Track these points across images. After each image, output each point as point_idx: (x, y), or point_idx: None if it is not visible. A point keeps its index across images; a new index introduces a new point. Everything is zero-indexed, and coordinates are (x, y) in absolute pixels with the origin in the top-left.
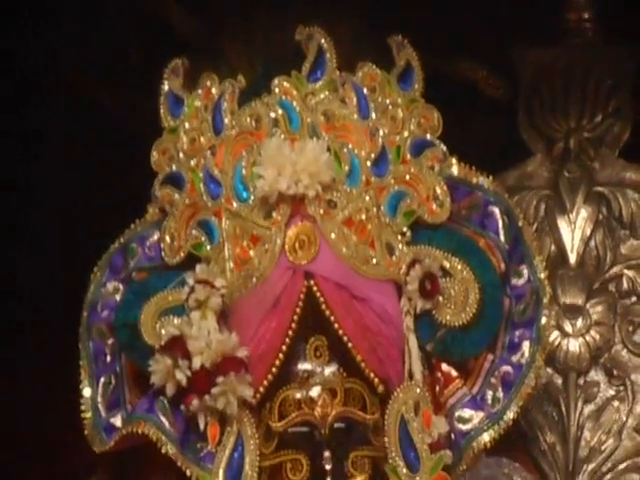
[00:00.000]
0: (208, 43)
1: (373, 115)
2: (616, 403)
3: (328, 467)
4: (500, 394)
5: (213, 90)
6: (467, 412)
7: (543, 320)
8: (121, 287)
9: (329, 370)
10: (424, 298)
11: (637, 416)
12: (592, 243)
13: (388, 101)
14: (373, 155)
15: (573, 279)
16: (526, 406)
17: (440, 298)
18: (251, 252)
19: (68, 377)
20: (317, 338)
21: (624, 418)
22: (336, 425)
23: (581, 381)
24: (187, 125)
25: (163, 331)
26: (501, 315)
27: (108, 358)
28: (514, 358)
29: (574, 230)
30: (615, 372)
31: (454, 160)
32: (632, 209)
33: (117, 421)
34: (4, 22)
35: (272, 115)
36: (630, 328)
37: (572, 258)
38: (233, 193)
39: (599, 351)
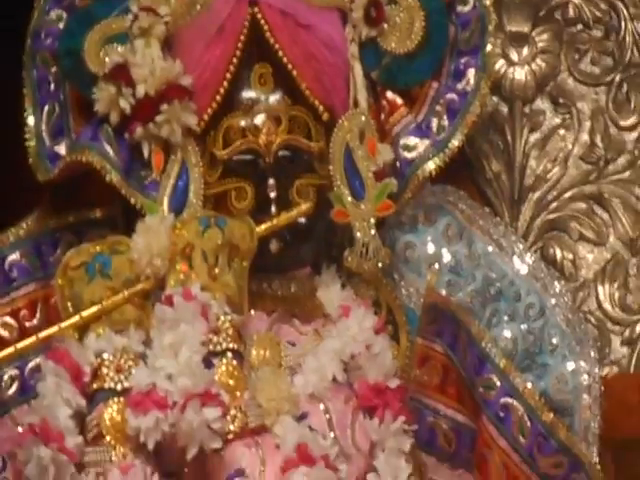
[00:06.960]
0: None
1: None
2: (562, 131)
3: (272, 194)
4: (445, 122)
5: None
6: (412, 140)
7: (488, 47)
8: (64, 15)
9: (274, 97)
10: (369, 25)
11: (583, 144)
12: None
13: None
14: None
15: (519, 7)
16: (471, 134)
17: (385, 25)
18: None
19: (12, 106)
20: (262, 66)
21: (570, 146)
22: (281, 153)
23: (527, 109)
24: None
25: (107, 59)
26: (446, 42)
27: (52, 86)
28: (459, 86)
29: None
30: (561, 100)
31: None
32: None
33: (61, 149)
34: None
35: None
36: (576, 56)
37: None
38: None
39: (545, 79)
